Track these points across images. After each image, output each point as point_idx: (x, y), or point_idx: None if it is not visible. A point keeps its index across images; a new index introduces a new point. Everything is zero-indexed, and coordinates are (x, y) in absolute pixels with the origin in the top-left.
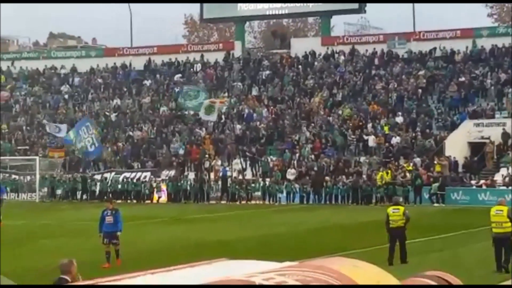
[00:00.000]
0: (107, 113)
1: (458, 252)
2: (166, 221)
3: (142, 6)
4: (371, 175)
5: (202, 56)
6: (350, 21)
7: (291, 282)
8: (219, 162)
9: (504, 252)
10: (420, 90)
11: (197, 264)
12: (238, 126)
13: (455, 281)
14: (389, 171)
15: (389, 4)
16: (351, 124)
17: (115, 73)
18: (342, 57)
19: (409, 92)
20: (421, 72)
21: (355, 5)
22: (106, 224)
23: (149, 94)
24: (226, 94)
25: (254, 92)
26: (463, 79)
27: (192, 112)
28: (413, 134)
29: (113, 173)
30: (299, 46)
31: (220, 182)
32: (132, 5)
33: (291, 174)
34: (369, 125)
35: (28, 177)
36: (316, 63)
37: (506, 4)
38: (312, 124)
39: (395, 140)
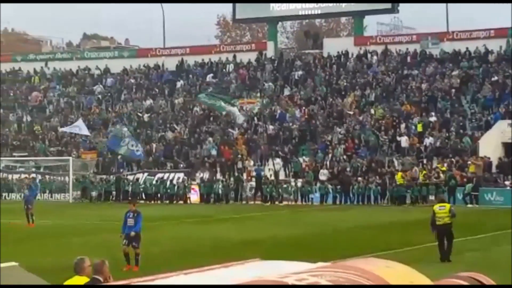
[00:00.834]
0: (139, 114)
1: (492, 253)
2: (198, 221)
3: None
4: (404, 175)
5: (234, 56)
6: (382, 21)
7: (324, 282)
8: (252, 163)
9: None
10: (453, 90)
11: (230, 265)
12: (271, 127)
13: (489, 282)
14: (423, 172)
15: (422, 4)
16: (383, 124)
17: (148, 74)
18: (375, 57)
19: (443, 92)
20: (455, 72)
21: (388, 5)
22: (128, 226)
23: (181, 95)
24: (258, 95)
25: (287, 92)
26: (496, 78)
27: (224, 113)
28: (447, 135)
29: (146, 174)
30: (332, 46)
31: (252, 183)
32: (165, 5)
33: (323, 174)
34: (402, 125)
35: (61, 178)
36: (348, 63)
37: None
38: (345, 125)
39: (428, 140)
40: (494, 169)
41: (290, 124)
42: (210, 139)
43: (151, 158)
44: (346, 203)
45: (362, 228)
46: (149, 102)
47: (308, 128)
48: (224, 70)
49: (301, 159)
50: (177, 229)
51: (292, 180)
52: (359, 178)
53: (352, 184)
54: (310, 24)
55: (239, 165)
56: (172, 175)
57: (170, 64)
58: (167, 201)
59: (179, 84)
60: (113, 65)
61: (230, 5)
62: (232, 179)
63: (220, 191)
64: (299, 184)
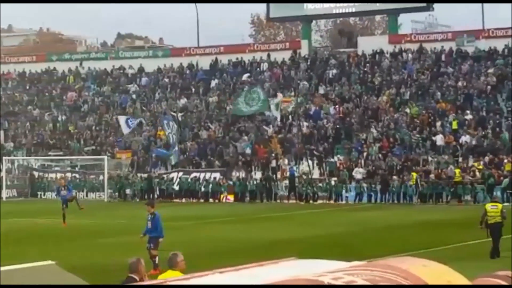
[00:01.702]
0: (173, 113)
1: None
2: (233, 220)
3: (209, 6)
4: (440, 174)
5: (268, 55)
6: (417, 19)
7: (360, 281)
8: (286, 161)
9: None
10: (489, 88)
11: (265, 263)
12: (305, 124)
13: None
14: (459, 170)
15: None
16: (418, 122)
17: (182, 73)
18: (410, 55)
19: (478, 90)
20: (491, 70)
21: (423, 3)
22: (148, 229)
23: (216, 94)
24: (292, 93)
25: (321, 91)
26: None
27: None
28: (483, 133)
29: (181, 173)
30: (366, 45)
31: (286, 181)
32: (199, 5)
33: (359, 173)
34: (438, 124)
35: (96, 177)
36: (383, 61)
37: None
38: (380, 123)
39: (464, 138)
40: None
41: (325, 122)
42: (245, 137)
43: (185, 156)
44: (382, 201)
45: (398, 227)
46: (183, 101)
47: (342, 126)
48: (258, 69)
49: (335, 158)
50: (213, 229)
51: (327, 178)
52: (394, 177)
53: (390, 182)
54: (344, 22)
55: (273, 163)
56: (208, 174)
57: (204, 63)
58: (202, 200)
59: (213, 83)
60: (147, 64)
61: (264, 4)
62: (264, 177)
63: (255, 188)
64: (333, 183)
